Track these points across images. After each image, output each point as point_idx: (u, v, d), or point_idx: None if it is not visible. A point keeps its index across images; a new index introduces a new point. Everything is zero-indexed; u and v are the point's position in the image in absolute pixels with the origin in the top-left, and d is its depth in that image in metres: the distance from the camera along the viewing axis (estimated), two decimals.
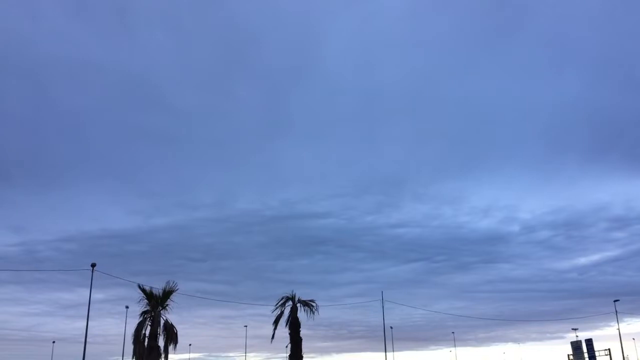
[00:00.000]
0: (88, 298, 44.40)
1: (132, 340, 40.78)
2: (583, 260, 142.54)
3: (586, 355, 78.28)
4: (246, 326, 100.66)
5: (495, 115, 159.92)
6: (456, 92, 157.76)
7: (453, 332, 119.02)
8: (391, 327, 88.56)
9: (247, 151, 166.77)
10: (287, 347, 49.90)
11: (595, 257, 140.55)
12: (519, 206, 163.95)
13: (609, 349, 78.42)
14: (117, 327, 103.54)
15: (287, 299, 49.64)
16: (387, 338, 75.31)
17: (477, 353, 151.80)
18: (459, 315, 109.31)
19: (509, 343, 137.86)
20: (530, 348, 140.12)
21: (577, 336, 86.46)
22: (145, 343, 40.09)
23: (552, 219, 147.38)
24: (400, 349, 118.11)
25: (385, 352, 75.03)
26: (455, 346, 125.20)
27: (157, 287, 41.97)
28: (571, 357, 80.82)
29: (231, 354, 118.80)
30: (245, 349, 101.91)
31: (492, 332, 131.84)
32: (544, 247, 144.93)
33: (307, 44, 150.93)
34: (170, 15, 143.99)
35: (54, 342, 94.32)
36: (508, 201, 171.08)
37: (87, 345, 44.41)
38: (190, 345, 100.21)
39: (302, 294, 50.38)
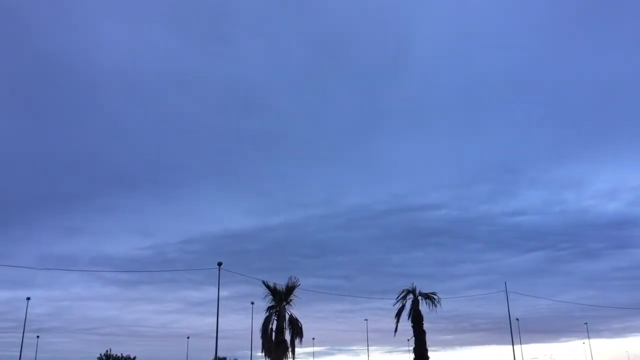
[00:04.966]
0: (215, 295, 46.87)
1: (260, 335, 42.07)
2: None
3: None
4: (366, 320, 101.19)
5: (615, 92, 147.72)
6: (567, 72, 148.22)
7: (586, 323, 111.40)
8: (517, 319, 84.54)
9: (349, 148, 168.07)
10: (409, 340, 49.29)
11: None
12: None
13: None
14: (242, 322, 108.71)
15: (408, 292, 48.99)
16: (513, 330, 72.05)
17: (613, 344, 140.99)
18: (591, 305, 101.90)
19: None
20: None
21: None
22: (273, 337, 41.28)
23: None
24: (527, 342, 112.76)
25: (513, 344, 71.88)
26: (588, 337, 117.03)
27: (278, 283, 43.00)
28: None
29: (353, 348, 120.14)
30: (367, 342, 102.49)
31: (629, 322, 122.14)
32: None
33: (399, 37, 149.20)
34: (264, 22, 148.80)
35: (188, 337, 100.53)
36: (637, 182, 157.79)
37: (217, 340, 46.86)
38: (314, 339, 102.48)
39: (420, 286, 49.63)
